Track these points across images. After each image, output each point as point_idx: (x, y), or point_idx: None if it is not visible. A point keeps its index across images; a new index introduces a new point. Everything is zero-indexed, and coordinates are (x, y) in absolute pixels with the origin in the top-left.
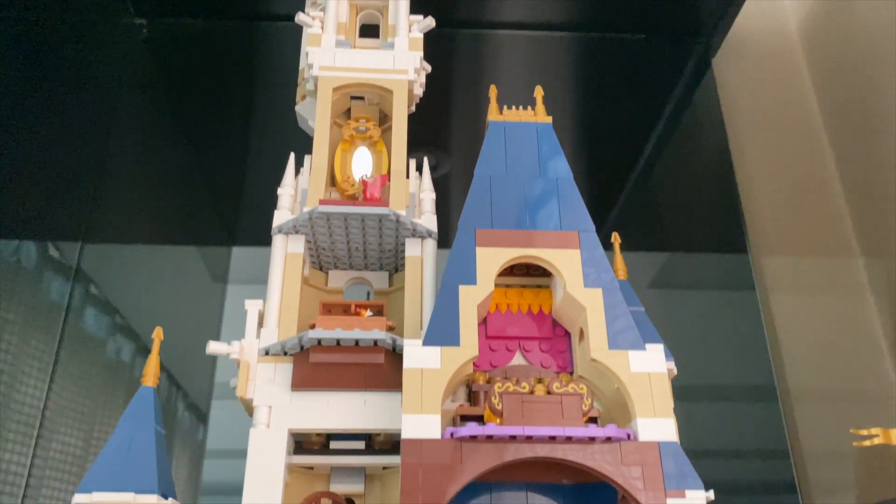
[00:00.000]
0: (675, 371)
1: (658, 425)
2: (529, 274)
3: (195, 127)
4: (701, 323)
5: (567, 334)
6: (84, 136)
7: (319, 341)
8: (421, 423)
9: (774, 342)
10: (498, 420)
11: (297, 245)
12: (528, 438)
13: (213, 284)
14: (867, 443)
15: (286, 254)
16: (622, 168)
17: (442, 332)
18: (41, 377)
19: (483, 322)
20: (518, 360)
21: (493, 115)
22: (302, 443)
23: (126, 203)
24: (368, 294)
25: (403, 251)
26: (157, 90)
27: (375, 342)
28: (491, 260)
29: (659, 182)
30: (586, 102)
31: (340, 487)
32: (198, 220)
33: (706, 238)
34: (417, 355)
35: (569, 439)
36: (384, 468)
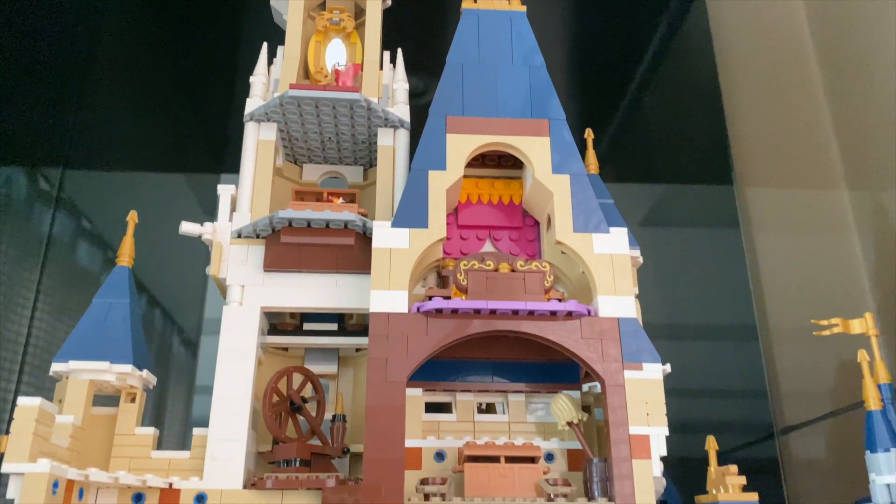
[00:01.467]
0: (641, 260)
1: (618, 303)
2: (501, 165)
3: (181, 49)
4: (688, 262)
5: (536, 224)
6: (65, 57)
7: (290, 222)
8: (389, 298)
9: (757, 281)
10: (463, 296)
11: (269, 132)
12: (492, 313)
13: (204, 217)
14: (826, 332)
15: (258, 140)
16: (611, 98)
17: (411, 214)
18: (27, 306)
19: (454, 212)
20: (488, 248)
21: (467, 2)
22: (276, 325)
23: (109, 128)
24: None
25: (377, 143)
26: (142, 9)
27: (346, 224)
28: (461, 146)
29: (648, 113)
30: (574, 32)
31: (314, 368)
32: (185, 147)
33: (693, 170)
34: (386, 236)
35: (531, 314)
36: (357, 350)
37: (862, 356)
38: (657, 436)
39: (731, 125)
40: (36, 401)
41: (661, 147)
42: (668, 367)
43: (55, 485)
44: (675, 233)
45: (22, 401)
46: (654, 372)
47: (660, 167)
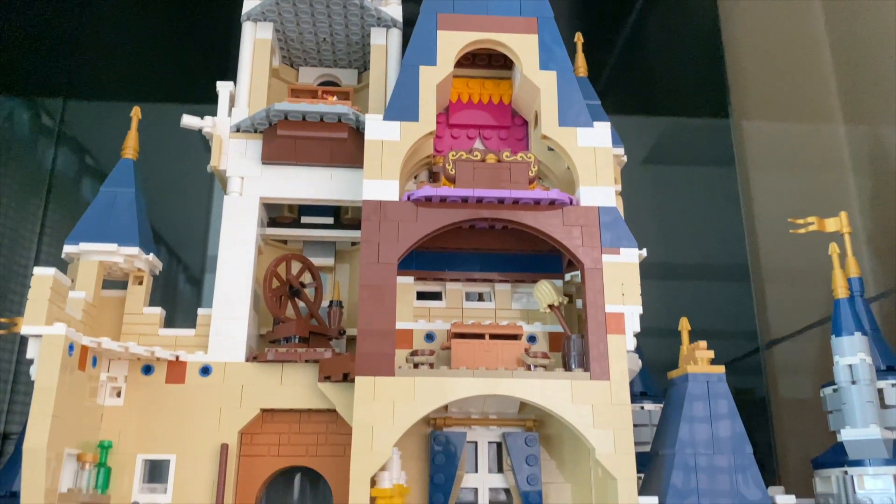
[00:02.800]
0: (625, 159)
1: (599, 192)
2: (491, 65)
3: None
4: (687, 201)
5: (525, 124)
6: None
7: (286, 115)
8: (380, 187)
9: (751, 220)
10: (451, 185)
11: (266, 32)
12: (479, 201)
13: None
14: (802, 230)
15: (255, 39)
16: (611, 31)
17: (402, 108)
18: (33, 240)
19: (445, 111)
20: (478, 147)
21: None
22: (275, 218)
23: (109, 59)
24: None
25: (370, 45)
26: None
27: (339, 118)
28: (451, 43)
29: (647, 45)
30: None
31: (313, 260)
32: (187, 77)
33: (691, 103)
34: (378, 128)
35: (516, 202)
36: (353, 244)
37: (833, 249)
38: (631, 314)
39: (730, 57)
40: (50, 270)
41: (659, 80)
42: (644, 252)
43: (70, 347)
44: (672, 171)
45: (38, 270)
46: (631, 256)
47: (658, 101)
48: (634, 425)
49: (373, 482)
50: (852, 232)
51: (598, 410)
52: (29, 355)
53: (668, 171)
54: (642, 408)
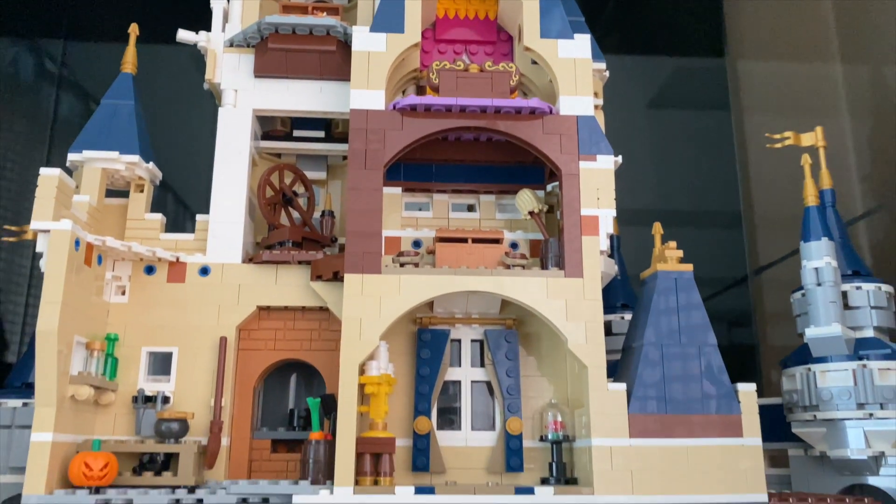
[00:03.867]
0: (607, 74)
1: (578, 102)
2: None
3: None
4: (685, 146)
5: (510, 39)
6: None
7: (276, 28)
8: (367, 96)
9: (745, 166)
10: (435, 94)
11: None
12: (462, 110)
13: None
14: (779, 145)
15: None
16: None
17: (388, 20)
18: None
19: (432, 27)
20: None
21: None
22: (269, 132)
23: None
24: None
25: None
26: None
27: (328, 31)
28: None
29: None
30: None
31: (306, 174)
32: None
33: (688, 43)
34: (365, 40)
35: (498, 111)
36: (343, 158)
37: (805, 160)
38: (605, 216)
39: None
40: (56, 171)
41: (656, 20)
42: (619, 159)
43: (76, 243)
44: (670, 115)
45: (44, 171)
46: (607, 162)
47: (656, 42)
48: (614, 334)
49: (362, 371)
50: (826, 146)
51: (571, 305)
52: (38, 249)
53: (666, 115)
54: (622, 318)
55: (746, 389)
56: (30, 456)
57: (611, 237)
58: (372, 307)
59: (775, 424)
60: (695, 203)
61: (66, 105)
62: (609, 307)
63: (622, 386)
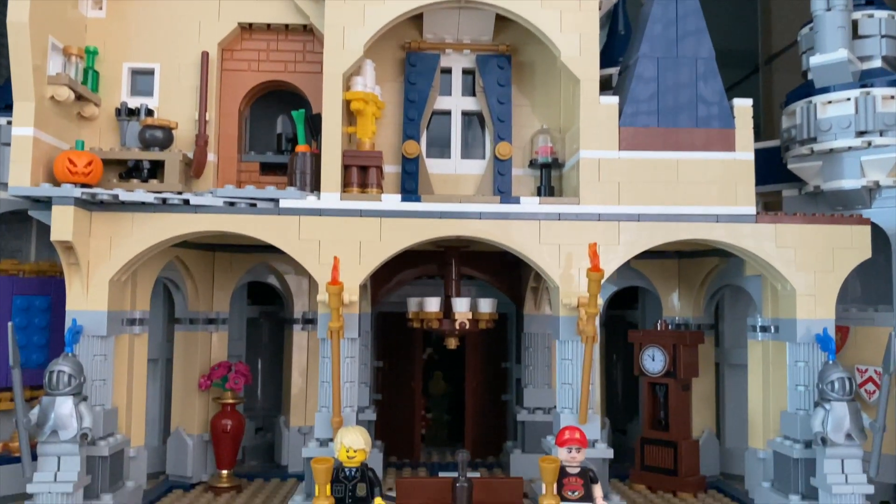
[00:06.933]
0: None
1: None
2: None
3: None
4: None
5: None
6: None
7: None
8: None
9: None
10: None
11: None
12: None
13: None
14: None
15: None
16: None
17: None
18: None
19: None
20: None
21: None
22: None
23: None
24: None
25: None
26: None
27: None
28: None
29: None
30: None
31: None
32: None
33: None
34: None
35: None
36: None
37: None
38: None
39: None
40: None
41: None
42: None
43: None
44: None
45: None
46: None
47: None
48: (612, 88)
49: (348, 88)
50: None
51: (565, 16)
52: None
53: None
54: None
55: (742, 104)
56: (12, 150)
57: None
58: (355, 14)
59: (770, 167)
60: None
61: None
62: (610, 62)
63: (614, 99)
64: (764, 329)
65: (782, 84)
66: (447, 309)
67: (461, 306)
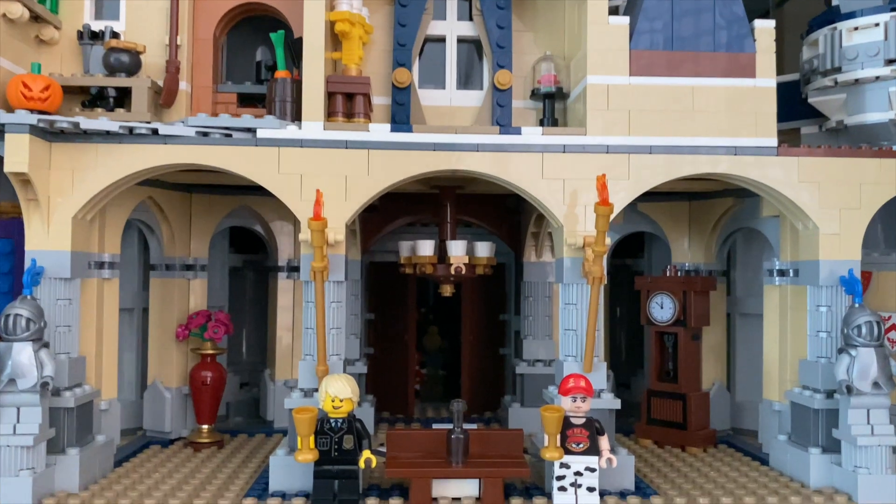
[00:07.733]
0: None
1: None
2: None
3: None
4: None
5: None
6: None
7: None
8: None
9: None
10: None
11: None
12: None
13: None
14: None
15: None
16: None
17: None
18: None
19: None
20: None
21: None
22: None
23: None
24: None
25: None
26: None
27: None
28: None
29: None
30: None
31: None
32: None
33: None
34: None
35: None
36: None
37: None
38: None
39: None
40: None
41: None
42: None
43: None
44: None
45: None
46: None
47: None
48: None
49: (332, 8)
50: None
51: None
52: None
53: None
54: None
55: (764, 25)
56: None
57: None
58: None
59: (789, 102)
60: None
61: None
62: None
63: (625, 19)
64: (782, 273)
65: (799, 15)
66: (442, 253)
67: (457, 250)
